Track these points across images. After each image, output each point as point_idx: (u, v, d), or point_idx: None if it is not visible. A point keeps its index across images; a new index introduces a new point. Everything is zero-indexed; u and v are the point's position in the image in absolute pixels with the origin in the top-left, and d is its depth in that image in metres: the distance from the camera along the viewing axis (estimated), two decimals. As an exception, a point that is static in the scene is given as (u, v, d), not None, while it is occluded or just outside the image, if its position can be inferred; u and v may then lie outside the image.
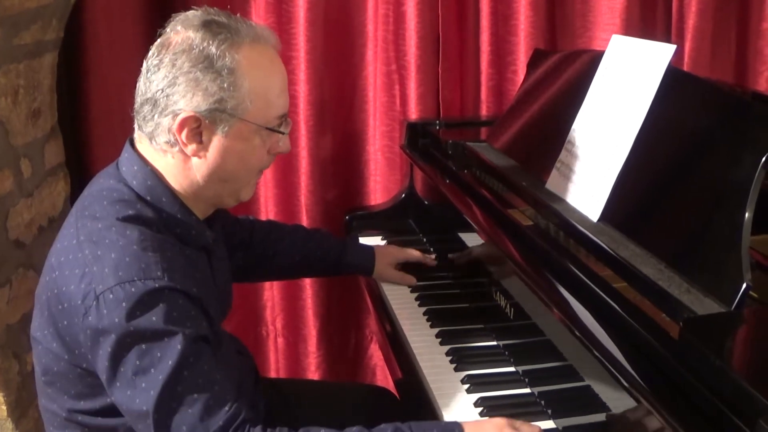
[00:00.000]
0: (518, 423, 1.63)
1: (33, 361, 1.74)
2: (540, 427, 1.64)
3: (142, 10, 2.95)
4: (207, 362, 1.53)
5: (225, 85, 1.59)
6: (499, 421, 1.62)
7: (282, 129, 1.71)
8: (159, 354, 1.48)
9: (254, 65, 1.62)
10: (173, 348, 1.48)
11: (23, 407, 2.52)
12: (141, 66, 1.67)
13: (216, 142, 1.63)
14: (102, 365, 1.52)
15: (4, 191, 2.42)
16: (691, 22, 2.73)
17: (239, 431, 1.49)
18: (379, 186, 3.10)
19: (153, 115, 1.63)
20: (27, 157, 2.56)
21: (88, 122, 3.00)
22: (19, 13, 2.34)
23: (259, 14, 2.95)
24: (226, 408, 1.50)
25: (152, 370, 1.48)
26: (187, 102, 1.59)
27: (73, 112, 3.00)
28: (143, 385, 1.49)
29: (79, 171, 2.96)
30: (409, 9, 2.89)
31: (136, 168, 1.66)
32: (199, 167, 1.65)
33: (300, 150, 3.04)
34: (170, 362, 1.48)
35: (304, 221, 3.06)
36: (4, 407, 2.44)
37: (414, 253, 2.44)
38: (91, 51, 2.95)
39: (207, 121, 1.61)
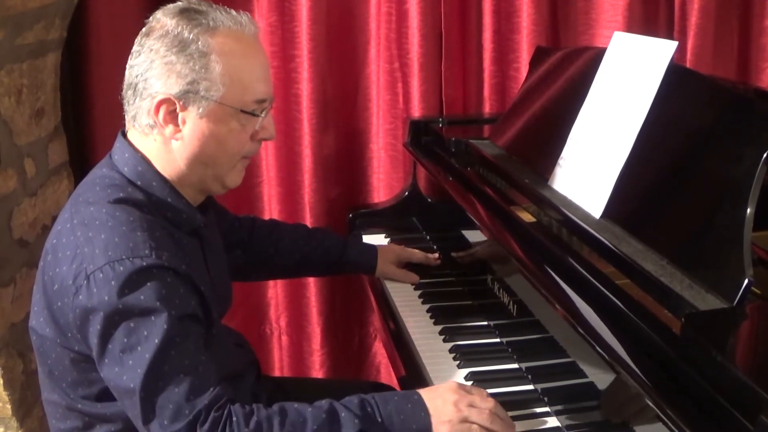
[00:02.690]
0: (468, 386, 1.70)
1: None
2: (486, 391, 1.69)
3: (144, 8, 2.92)
4: (194, 342, 1.55)
5: (197, 68, 1.64)
6: (452, 384, 1.68)
7: (259, 113, 1.73)
8: (146, 332, 1.51)
9: (228, 49, 1.67)
10: (160, 327, 1.51)
11: (28, 406, 2.53)
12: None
13: (192, 125, 1.68)
14: (92, 343, 1.55)
15: (8, 190, 2.42)
16: (693, 19, 2.73)
17: (223, 410, 1.52)
18: (383, 184, 3.11)
19: (135, 99, 1.69)
20: (31, 156, 2.56)
21: (91, 121, 3.01)
22: (22, 12, 2.34)
23: (262, 13, 2.96)
24: (211, 388, 1.53)
25: (139, 348, 1.51)
26: (162, 84, 1.65)
27: (77, 111, 3.00)
28: (130, 362, 1.51)
29: (83, 170, 2.94)
30: (411, 7, 2.89)
31: (127, 155, 1.71)
32: (180, 150, 1.70)
33: (303, 148, 3.05)
34: (156, 341, 1.50)
35: (308, 219, 3.07)
36: (8, 406, 2.45)
37: (417, 254, 2.44)
38: (94, 50, 2.95)
39: (181, 103, 1.66)
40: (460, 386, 1.67)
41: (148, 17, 1.73)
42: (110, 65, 2.92)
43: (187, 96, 1.65)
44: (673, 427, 1.26)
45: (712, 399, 1.24)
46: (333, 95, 3.07)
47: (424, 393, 1.66)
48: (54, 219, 2.67)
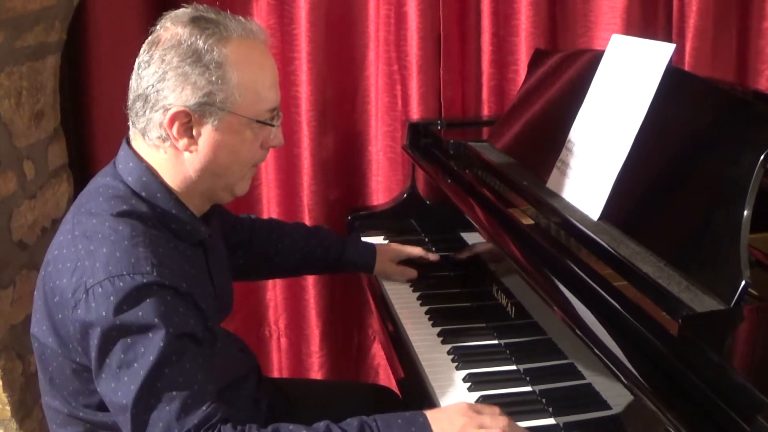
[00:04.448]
0: (479, 406, 1.65)
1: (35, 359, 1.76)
2: (498, 408, 1.65)
3: (144, 11, 2.96)
4: (190, 361, 1.53)
5: (213, 79, 1.61)
6: (461, 406, 1.63)
7: (273, 122, 1.72)
8: (142, 349, 1.50)
9: (243, 59, 1.64)
10: (156, 344, 1.49)
11: (27, 408, 2.53)
12: (140, 66, 1.69)
13: (207, 136, 1.65)
14: (91, 357, 1.54)
15: (7, 193, 2.43)
16: (691, 21, 2.74)
17: (212, 430, 1.50)
18: (381, 186, 3.11)
19: (144, 111, 1.64)
20: (30, 158, 2.57)
21: (91, 124, 3.01)
22: (22, 15, 2.35)
23: (261, 15, 2.96)
24: (203, 408, 1.51)
25: (135, 365, 1.50)
26: (176, 96, 1.61)
27: (76, 113, 3.00)
28: (125, 378, 1.50)
29: (83, 172, 2.97)
30: (410, 9, 2.90)
31: (131, 165, 1.68)
32: (192, 162, 1.67)
33: (302, 150, 3.05)
34: (151, 358, 1.49)
35: (307, 221, 3.07)
36: (8, 408, 2.45)
37: (415, 250, 2.45)
38: (93, 52, 2.95)
39: (197, 115, 1.62)
40: (470, 407, 1.63)
41: (155, 24, 1.69)
42: (110, 67, 2.94)
43: (203, 108, 1.61)
44: (670, 429, 1.27)
45: (710, 400, 1.25)
46: (332, 98, 3.07)
47: (430, 415, 1.62)
48: (54, 222, 2.69)
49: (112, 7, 2.94)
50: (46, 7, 2.46)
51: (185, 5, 1.71)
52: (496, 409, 1.64)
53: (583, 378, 1.63)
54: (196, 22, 1.64)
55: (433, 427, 1.59)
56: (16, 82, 2.47)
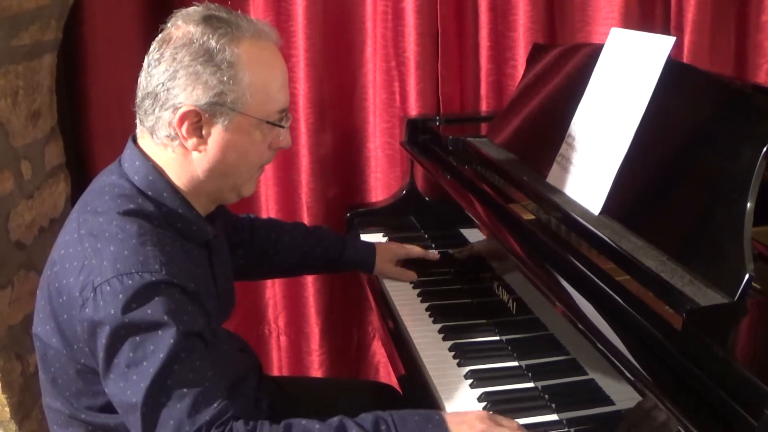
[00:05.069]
0: (499, 417, 1.64)
1: (36, 360, 1.74)
2: (516, 422, 1.64)
3: (140, 10, 2.95)
4: (199, 358, 1.53)
5: (225, 79, 1.60)
6: (481, 413, 1.63)
7: (282, 123, 1.71)
8: (152, 347, 1.49)
9: (254, 59, 1.63)
10: (166, 342, 1.49)
11: (26, 409, 2.52)
12: (140, 65, 1.68)
13: (216, 136, 1.64)
14: (99, 357, 1.53)
15: (4, 192, 2.42)
16: (690, 15, 2.73)
17: (224, 427, 1.50)
18: (380, 183, 3.10)
19: (154, 109, 1.63)
20: (27, 158, 2.56)
21: (87, 123, 3.00)
22: (18, 13, 2.33)
23: (258, 12, 2.95)
24: (215, 405, 1.50)
25: (144, 363, 1.49)
26: (187, 95, 1.60)
27: (73, 112, 2.99)
28: (134, 377, 1.49)
29: (80, 172, 2.96)
30: (408, 5, 2.89)
31: (137, 163, 1.67)
32: (200, 161, 1.66)
33: (300, 148, 3.04)
34: (161, 355, 1.48)
35: (305, 219, 3.06)
36: (7, 409, 2.44)
37: (415, 250, 2.44)
38: (89, 51, 2.94)
39: (207, 115, 1.62)
40: (490, 416, 1.62)
41: (165, 22, 1.68)
42: (106, 66, 2.93)
43: (213, 108, 1.61)
44: (675, 424, 1.26)
45: (715, 395, 1.24)
46: (330, 94, 3.06)
47: (449, 417, 1.61)
48: (52, 221, 2.68)
49: (108, 6, 2.93)
50: (41, 6, 2.44)
51: (196, 3, 1.70)
52: (515, 424, 1.64)
53: (586, 374, 1.63)
54: (208, 21, 1.63)
55: (452, 428, 1.58)
56: (12, 81, 2.46)
